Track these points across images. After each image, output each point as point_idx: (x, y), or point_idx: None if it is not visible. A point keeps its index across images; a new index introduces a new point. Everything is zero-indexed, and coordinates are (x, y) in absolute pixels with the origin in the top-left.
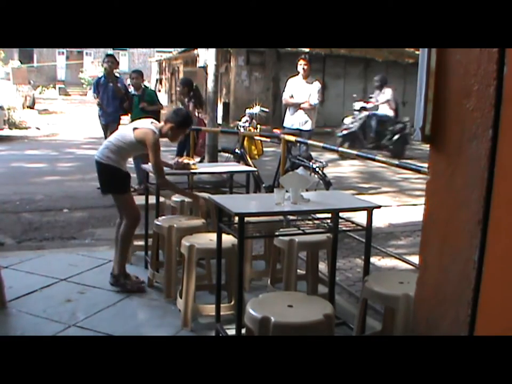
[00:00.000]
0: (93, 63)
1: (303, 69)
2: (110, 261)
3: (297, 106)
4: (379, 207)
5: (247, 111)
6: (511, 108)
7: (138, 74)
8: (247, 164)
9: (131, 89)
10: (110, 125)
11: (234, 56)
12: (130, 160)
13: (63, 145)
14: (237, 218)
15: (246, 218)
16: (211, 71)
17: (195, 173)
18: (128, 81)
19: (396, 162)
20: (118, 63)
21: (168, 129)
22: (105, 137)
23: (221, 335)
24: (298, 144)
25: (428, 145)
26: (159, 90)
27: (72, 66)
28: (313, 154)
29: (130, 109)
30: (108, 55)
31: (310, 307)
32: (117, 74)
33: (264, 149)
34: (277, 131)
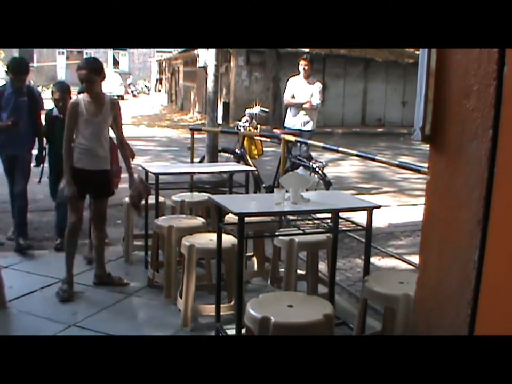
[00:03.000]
0: None
1: (304, 69)
2: (110, 261)
3: (299, 107)
4: (379, 207)
5: (247, 111)
6: (511, 107)
7: (62, 90)
8: (247, 164)
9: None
10: (19, 157)
11: (234, 56)
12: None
13: None
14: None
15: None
16: (211, 71)
17: (195, 173)
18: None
19: (396, 162)
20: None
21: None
22: (9, 177)
23: (221, 335)
24: (298, 144)
25: (428, 145)
26: (159, 90)
27: (72, 66)
28: (313, 154)
29: (49, 134)
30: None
31: (310, 307)
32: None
33: (264, 149)
34: (277, 131)
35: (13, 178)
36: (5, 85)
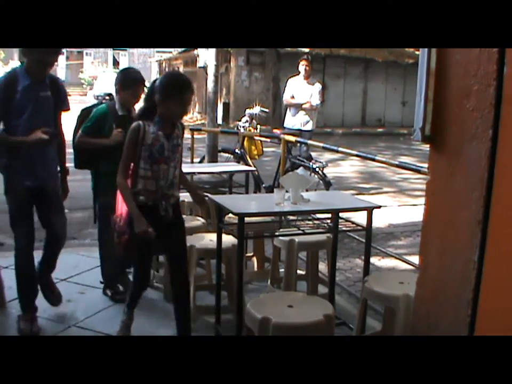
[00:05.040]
0: (93, 63)
1: (305, 69)
2: None
3: (298, 107)
4: (379, 207)
5: (247, 111)
6: (511, 108)
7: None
8: (247, 164)
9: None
10: (50, 187)
11: (234, 56)
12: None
13: None
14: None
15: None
16: (211, 71)
17: (195, 173)
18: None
19: (396, 162)
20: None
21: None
22: (25, 221)
23: (221, 335)
24: (298, 144)
25: (428, 145)
26: None
27: (72, 66)
28: (313, 154)
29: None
30: None
31: (310, 307)
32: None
33: (264, 149)
34: (277, 131)
35: (31, 221)
36: (13, 70)
